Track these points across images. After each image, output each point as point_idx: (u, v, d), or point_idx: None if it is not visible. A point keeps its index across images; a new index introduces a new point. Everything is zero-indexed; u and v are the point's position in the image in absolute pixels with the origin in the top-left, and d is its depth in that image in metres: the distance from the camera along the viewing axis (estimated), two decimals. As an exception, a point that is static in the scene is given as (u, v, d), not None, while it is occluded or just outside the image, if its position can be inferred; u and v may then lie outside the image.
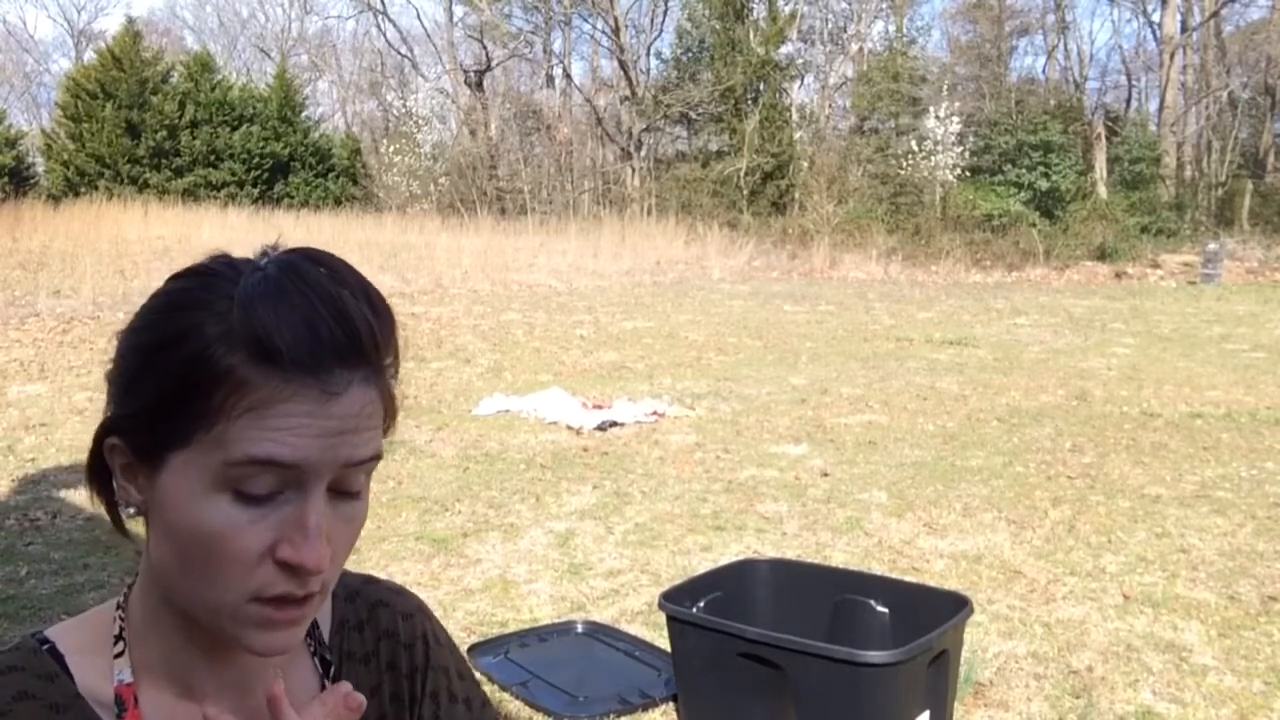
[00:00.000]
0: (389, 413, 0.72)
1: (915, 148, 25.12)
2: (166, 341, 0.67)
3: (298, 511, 0.66)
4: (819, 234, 23.04)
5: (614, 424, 6.73)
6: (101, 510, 0.76)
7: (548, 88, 34.15)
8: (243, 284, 0.67)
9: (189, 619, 0.71)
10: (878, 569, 4.10)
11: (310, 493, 0.66)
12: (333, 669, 0.82)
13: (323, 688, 0.80)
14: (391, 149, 28.35)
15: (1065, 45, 32.32)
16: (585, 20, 33.42)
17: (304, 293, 0.66)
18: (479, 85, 32.46)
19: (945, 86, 27.23)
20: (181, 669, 0.74)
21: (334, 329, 0.65)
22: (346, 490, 0.70)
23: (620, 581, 4.03)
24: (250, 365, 0.64)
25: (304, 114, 30.13)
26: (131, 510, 0.72)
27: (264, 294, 0.66)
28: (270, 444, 0.64)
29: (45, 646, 0.74)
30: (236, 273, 0.68)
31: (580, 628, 3.53)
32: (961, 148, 24.99)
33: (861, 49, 30.85)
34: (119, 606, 0.76)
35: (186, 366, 0.65)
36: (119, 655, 0.74)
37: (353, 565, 0.93)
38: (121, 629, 0.75)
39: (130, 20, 28.26)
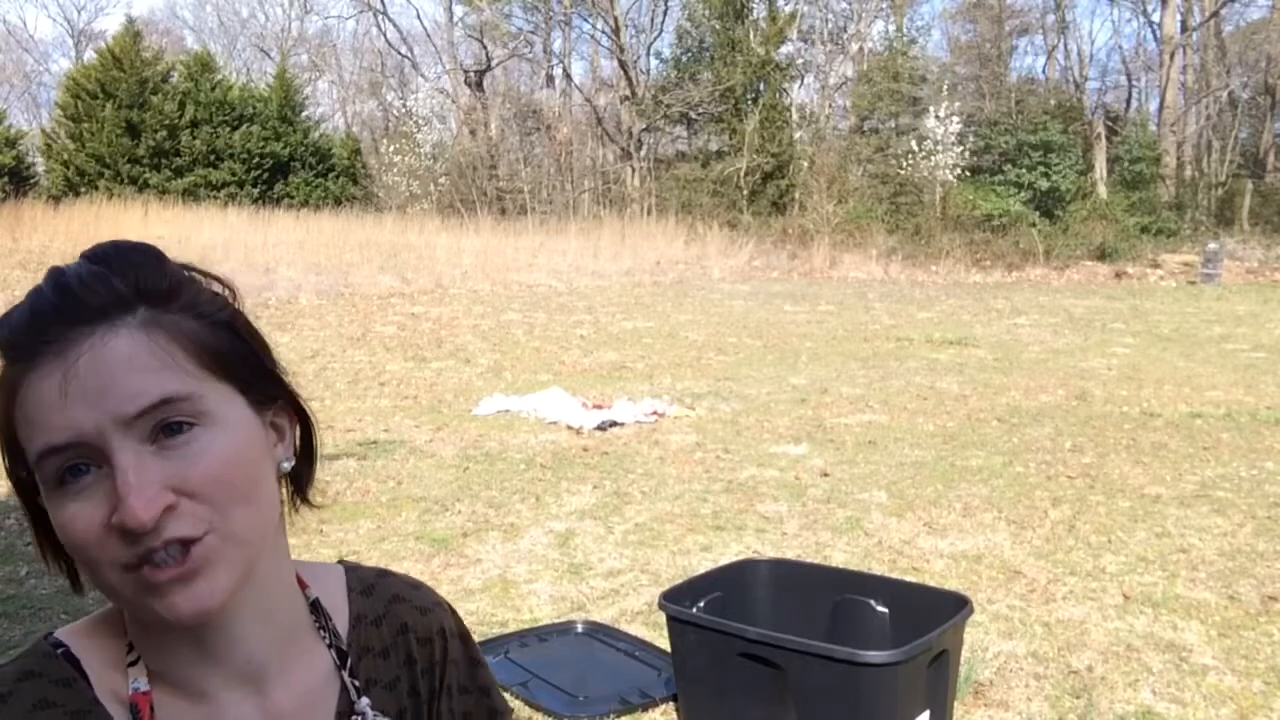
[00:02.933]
0: (194, 351, 0.69)
1: (915, 148, 25.11)
2: None
3: (112, 479, 0.66)
4: (819, 234, 23.05)
5: (614, 424, 6.73)
6: None
7: (548, 88, 34.14)
8: None
9: (165, 624, 0.70)
10: (878, 569, 4.10)
11: (113, 456, 0.66)
12: (349, 661, 0.81)
13: (340, 681, 0.80)
14: (391, 149, 28.33)
15: (1065, 45, 32.30)
16: (585, 20, 33.48)
17: (37, 286, 0.70)
18: (479, 85, 32.45)
19: (945, 86, 27.21)
20: (188, 673, 0.74)
21: (49, 298, 0.68)
22: (168, 432, 0.67)
23: (620, 581, 4.03)
24: (6, 372, 0.68)
25: (304, 114, 30.07)
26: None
27: (12, 310, 0.70)
28: (41, 435, 0.66)
29: (60, 650, 0.74)
30: None
31: (580, 628, 3.53)
32: (961, 148, 24.97)
33: (861, 49, 30.82)
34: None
35: None
36: (133, 664, 0.73)
37: (352, 565, 0.93)
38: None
39: (130, 20, 28.22)
